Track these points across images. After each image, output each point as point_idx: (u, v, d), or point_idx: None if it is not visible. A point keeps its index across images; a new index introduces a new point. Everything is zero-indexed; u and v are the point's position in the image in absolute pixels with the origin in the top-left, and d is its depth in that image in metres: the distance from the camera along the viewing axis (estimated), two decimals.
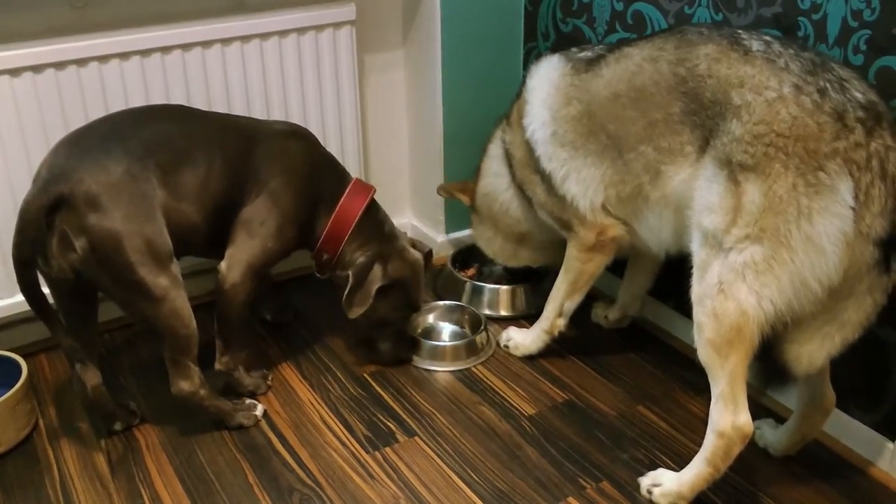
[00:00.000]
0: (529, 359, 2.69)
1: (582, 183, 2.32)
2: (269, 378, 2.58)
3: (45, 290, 2.15)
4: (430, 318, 2.90)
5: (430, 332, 2.82)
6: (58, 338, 2.18)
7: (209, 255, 2.46)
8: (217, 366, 2.45)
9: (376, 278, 2.49)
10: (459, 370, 2.65)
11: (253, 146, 2.38)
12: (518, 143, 2.50)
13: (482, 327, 2.77)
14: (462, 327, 2.87)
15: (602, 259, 2.45)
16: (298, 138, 2.49)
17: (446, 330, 2.88)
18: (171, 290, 2.16)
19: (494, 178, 2.70)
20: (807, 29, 2.16)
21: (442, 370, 2.65)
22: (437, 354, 2.69)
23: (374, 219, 2.56)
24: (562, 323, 2.62)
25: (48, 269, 2.12)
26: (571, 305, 2.58)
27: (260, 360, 2.69)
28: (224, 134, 2.35)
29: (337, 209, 2.49)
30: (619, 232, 2.35)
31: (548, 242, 2.74)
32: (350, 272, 2.48)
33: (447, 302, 2.92)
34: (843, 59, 2.09)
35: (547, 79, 2.39)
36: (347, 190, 2.52)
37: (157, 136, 2.22)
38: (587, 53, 2.33)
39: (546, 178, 2.40)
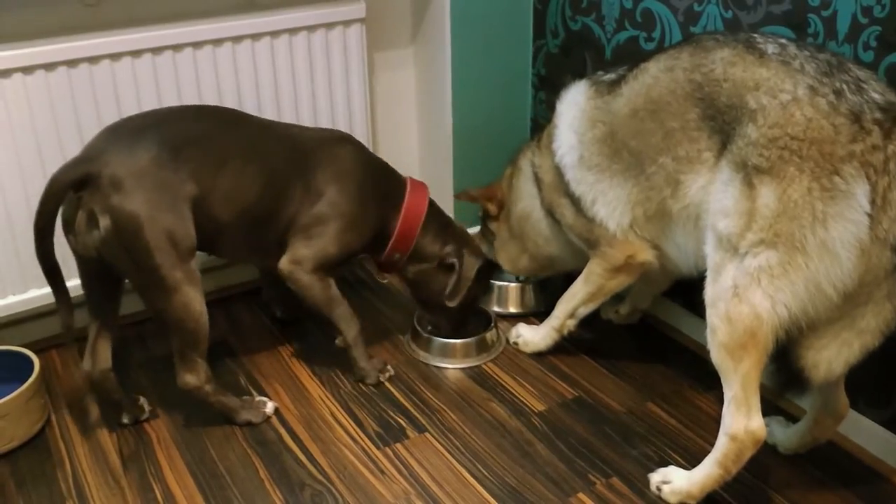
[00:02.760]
0: (539, 356, 2.70)
1: (609, 205, 2.31)
2: (389, 371, 2.61)
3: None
4: None
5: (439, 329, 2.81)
6: (61, 314, 2.20)
7: (244, 259, 2.53)
8: (336, 342, 2.60)
9: (472, 264, 2.63)
10: (469, 367, 2.66)
11: (301, 155, 2.41)
12: (547, 167, 2.50)
13: (492, 324, 2.77)
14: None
15: (625, 279, 2.44)
16: (347, 144, 2.52)
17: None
18: (185, 284, 2.18)
19: (532, 200, 2.66)
20: (816, 26, 2.16)
21: (452, 367, 2.66)
22: (448, 351, 2.69)
23: (437, 210, 2.66)
24: (572, 324, 2.62)
25: (75, 244, 2.17)
26: (585, 311, 2.58)
27: (270, 357, 2.71)
28: (269, 140, 2.38)
29: (404, 208, 2.55)
30: (649, 257, 2.33)
31: (576, 266, 2.70)
32: (455, 263, 2.60)
33: None
34: (853, 56, 2.08)
35: (574, 103, 2.39)
36: (408, 188, 2.59)
37: (196, 131, 2.25)
38: (611, 76, 2.33)
39: (575, 202, 2.40)
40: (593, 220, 2.36)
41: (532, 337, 2.71)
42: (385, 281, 2.71)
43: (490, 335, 2.74)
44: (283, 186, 2.36)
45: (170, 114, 2.31)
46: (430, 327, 2.79)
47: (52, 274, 2.15)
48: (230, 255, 2.48)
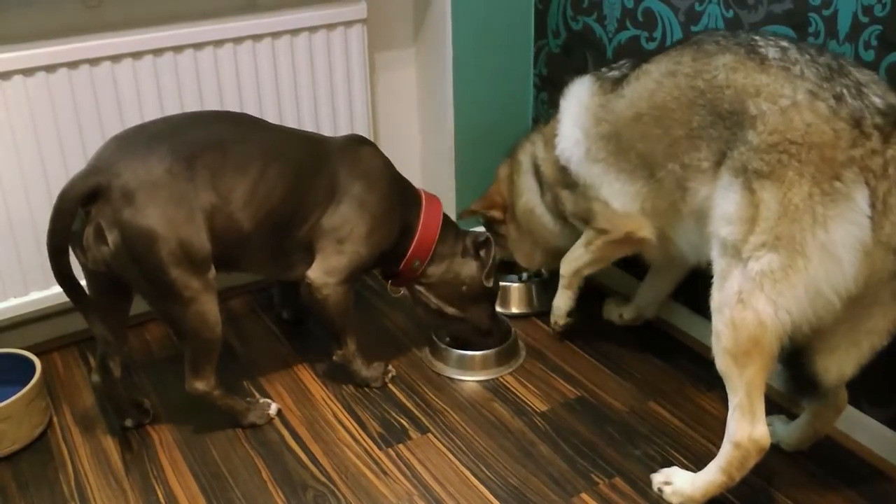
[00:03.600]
0: (539, 356, 2.70)
1: (615, 193, 2.32)
2: (390, 372, 2.61)
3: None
4: None
5: (457, 340, 2.74)
6: (92, 326, 2.18)
7: (267, 272, 2.49)
8: (334, 358, 2.53)
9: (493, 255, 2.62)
10: (490, 380, 2.62)
11: (324, 155, 2.39)
12: (550, 161, 2.51)
13: (512, 335, 2.72)
14: None
15: (625, 250, 2.44)
16: (369, 145, 2.52)
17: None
18: (202, 294, 2.16)
19: (533, 195, 2.68)
20: (817, 25, 2.16)
21: (471, 380, 2.61)
22: (466, 364, 2.65)
23: (449, 220, 2.64)
24: (578, 280, 2.63)
25: (84, 260, 2.12)
26: (589, 272, 2.60)
27: (273, 358, 2.71)
28: (286, 144, 2.34)
29: (423, 214, 2.54)
30: (648, 234, 2.33)
31: None
32: (487, 237, 2.59)
33: None
34: (854, 56, 2.08)
35: (577, 99, 2.40)
36: (424, 197, 2.59)
37: (209, 138, 2.20)
38: (615, 73, 2.33)
39: (579, 190, 2.41)
40: (596, 199, 2.37)
41: (557, 304, 2.72)
42: (398, 294, 2.69)
43: (510, 346, 2.70)
44: (307, 187, 2.33)
45: (182, 120, 2.26)
46: (448, 339, 2.74)
47: (73, 290, 2.11)
48: (253, 267, 2.41)
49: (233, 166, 2.21)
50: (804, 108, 1.82)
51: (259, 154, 2.26)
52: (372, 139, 3.00)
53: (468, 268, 2.61)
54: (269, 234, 2.29)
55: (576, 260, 2.58)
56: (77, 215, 2.06)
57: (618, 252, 2.47)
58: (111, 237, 2.05)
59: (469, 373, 2.63)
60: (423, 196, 2.60)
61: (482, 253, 2.61)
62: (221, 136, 2.23)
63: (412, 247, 2.52)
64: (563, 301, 2.71)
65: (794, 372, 2.00)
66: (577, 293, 2.68)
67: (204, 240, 2.14)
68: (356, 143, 2.49)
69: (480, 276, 2.61)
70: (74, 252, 2.12)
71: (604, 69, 2.39)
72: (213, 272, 2.18)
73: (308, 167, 2.34)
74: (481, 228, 2.93)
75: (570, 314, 2.72)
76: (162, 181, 2.08)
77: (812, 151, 1.79)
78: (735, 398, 1.97)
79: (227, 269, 2.30)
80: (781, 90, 1.86)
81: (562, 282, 2.67)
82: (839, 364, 1.95)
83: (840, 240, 1.79)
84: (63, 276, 2.08)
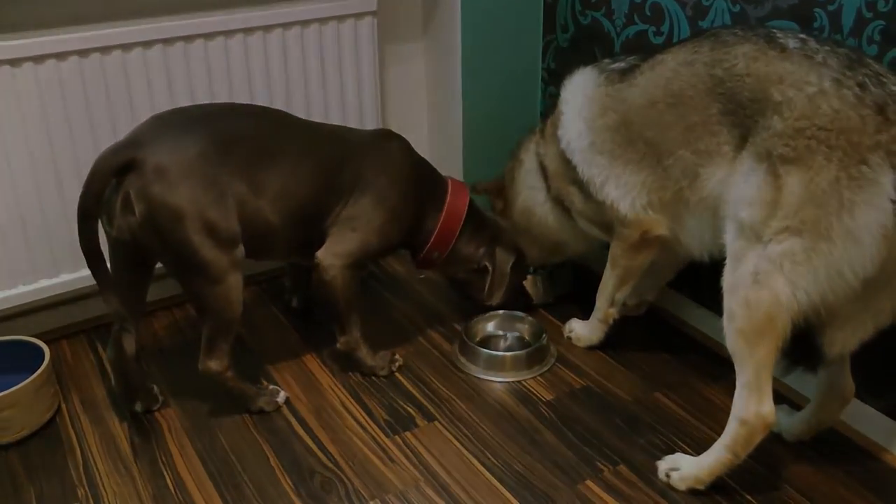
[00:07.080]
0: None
1: (622, 187, 2.33)
2: (397, 361, 2.63)
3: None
4: (490, 327, 2.82)
5: (489, 341, 2.76)
6: (106, 299, 2.19)
7: (289, 259, 2.57)
8: (338, 346, 2.54)
9: (506, 261, 2.69)
10: (519, 381, 2.60)
11: (350, 152, 2.43)
12: (553, 155, 2.53)
13: (543, 337, 2.69)
14: (523, 336, 2.79)
15: (647, 255, 2.45)
16: (396, 140, 2.56)
17: (507, 338, 2.80)
18: (228, 274, 2.19)
19: (532, 192, 2.70)
20: (822, 20, 2.18)
21: (500, 380, 2.59)
22: (496, 364, 2.62)
23: (476, 212, 2.69)
24: (614, 311, 2.64)
25: (110, 229, 2.16)
26: (621, 296, 2.60)
27: (281, 347, 2.73)
28: (316, 141, 2.39)
29: (446, 208, 2.59)
30: (664, 230, 2.34)
31: (585, 251, 2.80)
32: (488, 266, 2.67)
33: (507, 311, 2.84)
34: None
35: (580, 90, 2.41)
36: (450, 189, 2.63)
37: (245, 130, 2.25)
38: (620, 64, 2.34)
39: (584, 187, 2.42)
40: (603, 202, 2.38)
41: (583, 331, 2.73)
42: (422, 276, 2.77)
43: (542, 347, 2.68)
44: (333, 183, 2.37)
45: (219, 109, 2.30)
46: (478, 339, 2.76)
47: (94, 259, 2.14)
48: (277, 256, 2.46)
49: (266, 161, 2.25)
50: (831, 94, 1.84)
51: (292, 151, 2.31)
52: None
53: (477, 282, 2.72)
54: (295, 226, 2.34)
55: (606, 286, 2.60)
56: (109, 185, 2.11)
57: (639, 259, 2.46)
58: (138, 208, 2.09)
59: (498, 374, 2.60)
60: (450, 189, 2.63)
61: (488, 275, 2.68)
62: (257, 130, 2.28)
63: (433, 239, 2.58)
64: (592, 332, 2.71)
65: (792, 343, 2.01)
66: (608, 328, 2.69)
67: (232, 220, 2.18)
68: (384, 138, 2.54)
69: (482, 294, 2.71)
70: (101, 219, 2.15)
71: (606, 61, 2.41)
72: (241, 250, 2.21)
73: (335, 164, 2.39)
74: None
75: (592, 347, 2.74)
76: (195, 163, 2.13)
77: (841, 137, 1.81)
78: (743, 377, 1.99)
79: (251, 258, 2.33)
80: (807, 77, 1.88)
81: (597, 314, 2.68)
82: (844, 339, 1.98)
83: (865, 224, 1.80)
84: (88, 242, 2.11)
